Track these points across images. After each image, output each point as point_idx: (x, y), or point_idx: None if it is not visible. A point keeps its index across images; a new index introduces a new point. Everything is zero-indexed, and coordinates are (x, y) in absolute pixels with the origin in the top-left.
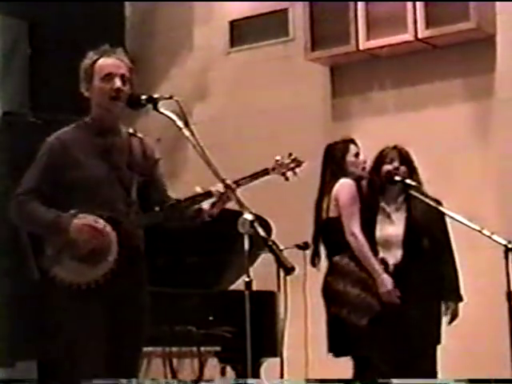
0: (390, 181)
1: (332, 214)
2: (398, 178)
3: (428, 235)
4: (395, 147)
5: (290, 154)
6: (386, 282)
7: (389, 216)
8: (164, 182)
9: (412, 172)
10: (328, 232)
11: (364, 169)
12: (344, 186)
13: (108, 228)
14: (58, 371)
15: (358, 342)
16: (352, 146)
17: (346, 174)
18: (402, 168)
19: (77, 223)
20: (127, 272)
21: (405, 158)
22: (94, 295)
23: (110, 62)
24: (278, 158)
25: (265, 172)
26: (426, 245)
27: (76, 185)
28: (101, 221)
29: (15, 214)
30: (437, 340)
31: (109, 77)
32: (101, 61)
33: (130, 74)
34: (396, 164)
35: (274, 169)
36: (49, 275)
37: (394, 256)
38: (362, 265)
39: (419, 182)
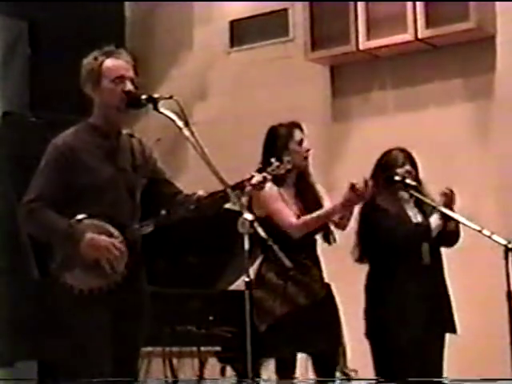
0: (389, 181)
1: (258, 213)
2: (397, 178)
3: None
4: (402, 150)
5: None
6: (345, 195)
7: (414, 212)
8: (169, 177)
9: (417, 173)
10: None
11: (306, 158)
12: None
13: (120, 239)
14: (59, 372)
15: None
16: (297, 132)
17: None
18: (413, 171)
19: (90, 240)
20: (132, 277)
21: (413, 161)
22: (102, 300)
23: (119, 65)
24: (273, 160)
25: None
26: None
27: (84, 188)
28: (116, 234)
29: (26, 222)
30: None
31: (119, 79)
32: (109, 62)
33: (136, 76)
34: (408, 167)
35: (272, 171)
36: (56, 279)
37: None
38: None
39: (420, 182)
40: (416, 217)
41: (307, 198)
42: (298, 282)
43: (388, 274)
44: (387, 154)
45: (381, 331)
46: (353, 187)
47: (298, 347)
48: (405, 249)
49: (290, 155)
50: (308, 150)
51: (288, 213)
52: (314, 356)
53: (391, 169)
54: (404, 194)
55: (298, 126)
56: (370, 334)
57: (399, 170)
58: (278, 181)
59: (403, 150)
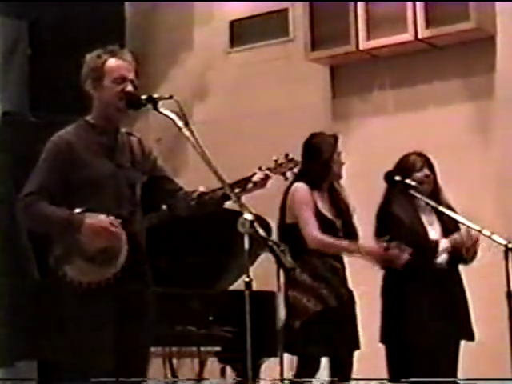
0: (390, 182)
1: (288, 220)
2: (397, 178)
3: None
4: (420, 154)
5: (287, 155)
6: (371, 249)
7: (430, 219)
8: (169, 174)
9: (435, 178)
10: (286, 239)
11: (340, 170)
12: (297, 191)
13: (120, 229)
14: (61, 371)
15: (291, 342)
16: (338, 144)
17: (328, 175)
18: (432, 176)
19: (90, 224)
20: (135, 272)
21: (431, 165)
22: (104, 294)
23: (122, 65)
24: (275, 158)
25: (266, 178)
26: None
27: (83, 184)
28: (116, 222)
29: (23, 215)
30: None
31: (121, 80)
32: (112, 62)
33: (136, 77)
34: (426, 171)
35: (274, 168)
36: (57, 275)
37: (443, 259)
38: (306, 268)
39: (438, 187)
40: (432, 224)
41: (339, 204)
42: (329, 283)
43: (404, 277)
44: (405, 158)
45: (397, 336)
46: (387, 249)
47: (328, 348)
48: (417, 259)
49: (333, 165)
50: (343, 163)
51: (313, 224)
52: (334, 358)
53: (409, 173)
54: (421, 202)
55: (337, 138)
56: (385, 339)
57: (417, 175)
58: (316, 184)
59: (421, 155)
